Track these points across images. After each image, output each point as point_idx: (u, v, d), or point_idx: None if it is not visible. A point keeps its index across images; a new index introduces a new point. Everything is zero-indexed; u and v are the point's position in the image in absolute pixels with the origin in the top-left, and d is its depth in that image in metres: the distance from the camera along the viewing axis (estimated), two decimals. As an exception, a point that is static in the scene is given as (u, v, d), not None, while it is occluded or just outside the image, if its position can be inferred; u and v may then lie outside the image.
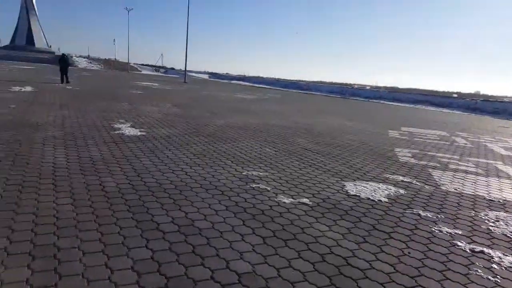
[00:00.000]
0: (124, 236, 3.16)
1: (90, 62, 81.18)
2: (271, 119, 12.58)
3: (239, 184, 4.90)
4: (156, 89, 23.85)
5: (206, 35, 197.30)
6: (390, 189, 5.30)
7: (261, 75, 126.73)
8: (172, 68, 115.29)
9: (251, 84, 68.09)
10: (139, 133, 7.79)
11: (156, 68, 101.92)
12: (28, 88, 15.75)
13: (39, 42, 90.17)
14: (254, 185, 4.89)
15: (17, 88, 15.16)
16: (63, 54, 22.43)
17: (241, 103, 18.70)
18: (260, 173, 5.51)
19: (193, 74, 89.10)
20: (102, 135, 7.23)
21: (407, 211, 4.46)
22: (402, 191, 5.24)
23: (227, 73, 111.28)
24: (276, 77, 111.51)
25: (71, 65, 20.46)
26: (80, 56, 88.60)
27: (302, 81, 73.14)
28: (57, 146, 6.07)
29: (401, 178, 5.99)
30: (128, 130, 8.08)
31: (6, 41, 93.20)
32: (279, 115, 14.25)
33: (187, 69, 47.30)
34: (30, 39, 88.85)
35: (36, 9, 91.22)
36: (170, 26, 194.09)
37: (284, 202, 4.36)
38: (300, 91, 49.19)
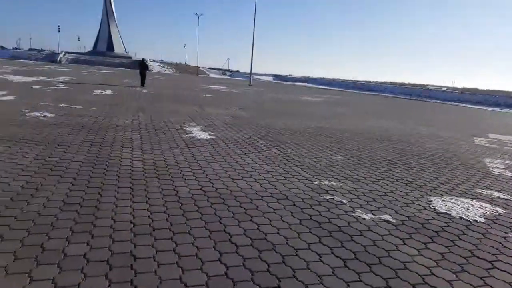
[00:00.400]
0: (198, 247, 3.05)
1: (163, 67, 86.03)
2: (339, 123, 12.08)
3: (311, 194, 4.62)
4: (223, 92, 24.37)
5: (271, 37, 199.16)
6: (486, 207, 4.65)
7: (326, 76, 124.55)
8: (238, 71, 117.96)
9: (315, 86, 67.03)
10: (208, 137, 7.85)
11: (223, 71, 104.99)
12: (108, 91, 16.91)
13: (118, 48, 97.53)
14: (328, 197, 4.57)
15: (99, 91, 16.36)
16: (142, 59, 23.83)
17: (306, 106, 18.33)
18: (333, 183, 5.17)
19: (258, 76, 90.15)
20: (175, 138, 7.39)
21: (509, 235, 3.83)
22: (500, 210, 4.57)
23: (290, 75, 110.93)
24: (342, 78, 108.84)
25: (149, 70, 21.50)
26: (154, 61, 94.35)
27: (371, 82, 70.22)
28: (134, 148, 6.28)
29: (496, 194, 5.25)
30: (198, 133, 8.19)
31: (90, 47, 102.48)
32: (348, 119, 13.66)
33: (251, 71, 47.87)
34: (110, 45, 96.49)
35: (115, 17, 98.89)
36: (237, 29, 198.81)
37: (363, 218, 3.99)
38: (368, 92, 47.26)
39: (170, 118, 10.20)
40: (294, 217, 3.88)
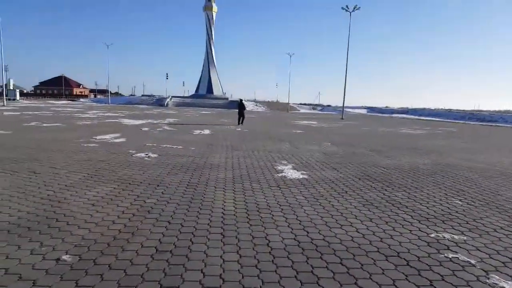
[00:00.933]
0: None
1: (256, 105, 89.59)
2: (450, 158, 10.64)
3: (428, 251, 3.83)
4: (314, 127, 23.97)
5: (363, 68, 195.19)
6: None
7: (427, 106, 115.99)
8: (329, 106, 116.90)
9: (416, 117, 62.57)
10: (301, 176, 7.44)
11: (314, 106, 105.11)
12: (206, 131, 17.82)
13: (217, 90, 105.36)
14: (450, 255, 3.73)
15: (197, 132, 17.33)
16: (240, 99, 25.02)
17: (408, 139, 16.83)
18: (455, 236, 4.27)
19: (350, 110, 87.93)
20: (267, 178, 7.15)
21: None
22: None
23: (387, 107, 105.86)
24: (447, 107, 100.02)
25: (245, 109, 23.51)
26: (248, 100, 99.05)
27: (483, 111, 63.02)
28: (227, 189, 6.18)
29: None
30: (290, 172, 7.85)
31: (192, 91, 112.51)
32: (461, 153, 12.01)
33: (344, 105, 46.73)
34: (209, 88, 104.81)
35: (215, 62, 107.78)
36: (327, 63, 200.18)
37: (503, 287, 3.09)
38: (481, 123, 42.29)
39: (262, 155, 10.10)
40: (409, 281, 3.18)
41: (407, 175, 7.97)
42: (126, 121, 22.94)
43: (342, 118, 41.86)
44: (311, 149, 11.98)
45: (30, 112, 28.42)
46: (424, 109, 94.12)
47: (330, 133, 19.35)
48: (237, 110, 23.24)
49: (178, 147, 11.36)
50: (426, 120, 50.46)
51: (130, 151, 10.04)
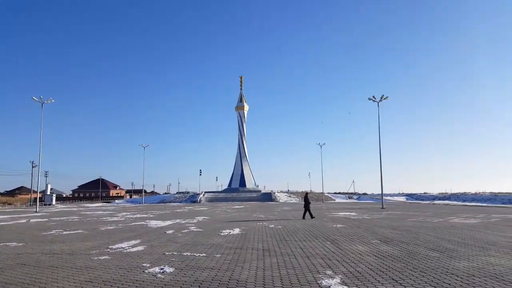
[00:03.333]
0: None
1: (290, 196, 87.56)
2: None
3: None
4: (355, 220, 21.69)
5: (398, 153, 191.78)
6: None
7: (468, 190, 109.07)
8: (365, 194, 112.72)
9: (460, 203, 58.12)
10: (356, 297, 5.54)
11: (349, 195, 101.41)
12: (236, 230, 16.16)
13: (249, 183, 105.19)
14: None
15: (226, 231, 15.70)
16: (306, 193, 25.45)
17: (467, 232, 14.35)
18: None
19: (389, 197, 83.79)
20: (310, 303, 5.32)
21: None
22: None
23: (425, 193, 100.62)
24: (495, 191, 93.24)
25: (310, 203, 23.53)
26: (281, 191, 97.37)
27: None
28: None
29: None
30: (340, 290, 5.97)
31: (225, 185, 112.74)
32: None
33: (381, 193, 44.00)
34: (242, 182, 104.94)
35: (247, 157, 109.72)
36: (361, 151, 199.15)
37: None
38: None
39: (301, 263, 8.26)
40: None
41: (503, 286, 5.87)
42: (153, 222, 21.76)
43: (382, 208, 38.96)
44: (359, 250, 9.98)
45: (58, 218, 28.07)
46: (465, 193, 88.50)
47: (374, 227, 17.09)
48: (304, 204, 23.58)
49: (201, 255, 9.73)
50: (473, 206, 46.39)
51: (144, 264, 8.50)
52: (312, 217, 22.98)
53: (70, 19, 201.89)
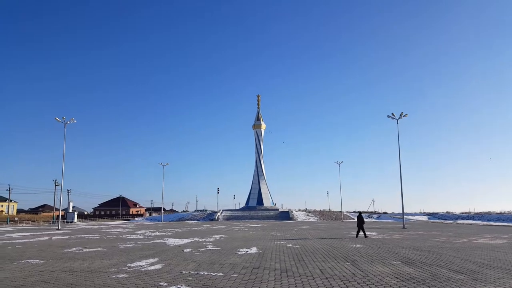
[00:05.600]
0: None
1: (307, 215, 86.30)
2: None
3: None
4: (375, 240, 21.12)
5: (417, 171, 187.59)
6: None
7: (493, 210, 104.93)
8: (385, 213, 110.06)
9: (485, 223, 55.97)
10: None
11: (369, 214, 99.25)
12: (254, 249, 15.96)
13: (267, 201, 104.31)
14: None
15: (244, 251, 15.52)
16: (359, 212, 25.23)
17: (494, 253, 13.71)
18: None
19: (410, 217, 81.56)
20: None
21: None
22: None
23: (447, 212, 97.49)
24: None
25: (364, 223, 23.88)
26: (299, 210, 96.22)
27: None
28: None
29: None
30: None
31: (243, 203, 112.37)
32: None
33: (403, 212, 42.78)
34: (260, 200, 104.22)
35: (265, 175, 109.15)
36: (380, 168, 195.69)
37: None
38: None
39: (319, 284, 8.04)
40: None
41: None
42: (171, 240, 21.77)
43: (403, 227, 37.86)
44: (379, 272, 9.66)
45: (79, 235, 28.44)
46: (489, 213, 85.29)
47: (395, 247, 16.58)
48: (357, 223, 23.69)
49: (218, 274, 9.62)
50: (498, 226, 44.53)
51: (161, 283, 8.46)
52: (365, 236, 23.26)
53: (92, 43, 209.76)
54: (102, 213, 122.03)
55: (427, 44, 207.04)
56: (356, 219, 24.59)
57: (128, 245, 18.89)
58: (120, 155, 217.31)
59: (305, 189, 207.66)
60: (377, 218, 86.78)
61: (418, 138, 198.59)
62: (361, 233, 24.28)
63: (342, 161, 77.23)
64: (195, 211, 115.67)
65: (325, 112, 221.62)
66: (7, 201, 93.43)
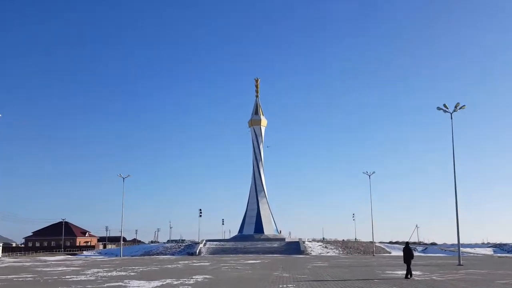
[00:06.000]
0: None
1: (325, 247, 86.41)
2: None
3: None
4: (420, 283, 21.06)
5: (481, 189, 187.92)
6: None
7: None
8: (433, 244, 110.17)
9: None
10: None
11: (412, 245, 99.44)
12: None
13: (268, 228, 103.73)
14: None
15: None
16: (406, 243, 25.76)
17: None
18: None
19: (468, 249, 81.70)
20: None
21: None
22: None
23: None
24: None
25: (413, 257, 23.96)
26: (313, 240, 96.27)
27: None
28: None
29: None
30: None
31: (235, 231, 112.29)
32: None
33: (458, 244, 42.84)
34: (259, 226, 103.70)
35: (266, 191, 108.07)
36: (428, 187, 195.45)
37: None
38: None
39: None
40: None
41: None
42: (135, 284, 21.73)
43: (459, 264, 37.94)
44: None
45: (4, 277, 28.37)
46: None
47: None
48: (403, 258, 23.95)
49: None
50: None
51: None
52: (409, 276, 23.51)
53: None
54: (38, 244, 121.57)
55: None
56: (402, 253, 24.84)
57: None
58: (63, 163, 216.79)
59: (321, 211, 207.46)
60: (423, 251, 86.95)
61: (478, 140, 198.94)
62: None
63: (373, 172, 76.93)
64: (168, 241, 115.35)
65: (348, 105, 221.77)
66: None
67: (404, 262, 23.68)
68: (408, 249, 23.68)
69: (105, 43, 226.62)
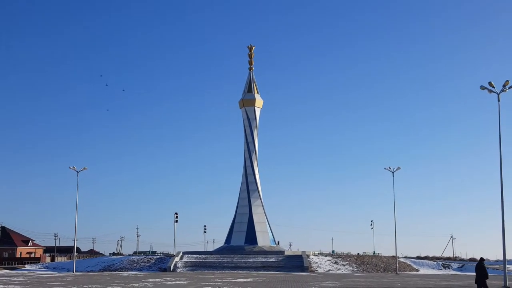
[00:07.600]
0: None
1: (336, 262, 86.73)
2: None
3: None
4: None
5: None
6: None
7: None
8: (472, 260, 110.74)
9: None
10: None
11: (444, 262, 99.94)
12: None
13: (263, 238, 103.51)
14: None
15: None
16: (481, 259, 26.39)
17: None
18: None
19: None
20: None
21: None
22: None
23: None
24: None
25: (487, 276, 24.79)
26: (320, 254, 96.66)
27: None
28: None
29: None
30: None
31: (220, 241, 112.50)
32: None
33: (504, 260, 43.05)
34: (251, 235, 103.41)
35: (261, 192, 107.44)
36: (464, 188, 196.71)
37: None
38: None
39: None
40: None
41: None
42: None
43: (505, 286, 38.23)
44: None
45: None
46: None
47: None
48: (475, 278, 24.65)
49: None
50: None
51: None
52: None
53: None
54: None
55: None
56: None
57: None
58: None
59: (331, 217, 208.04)
60: (459, 268, 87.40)
61: None
62: None
63: (398, 167, 76.55)
64: (135, 253, 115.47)
65: (366, 86, 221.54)
66: None
67: (476, 283, 24.26)
68: (482, 267, 24.08)
69: None
